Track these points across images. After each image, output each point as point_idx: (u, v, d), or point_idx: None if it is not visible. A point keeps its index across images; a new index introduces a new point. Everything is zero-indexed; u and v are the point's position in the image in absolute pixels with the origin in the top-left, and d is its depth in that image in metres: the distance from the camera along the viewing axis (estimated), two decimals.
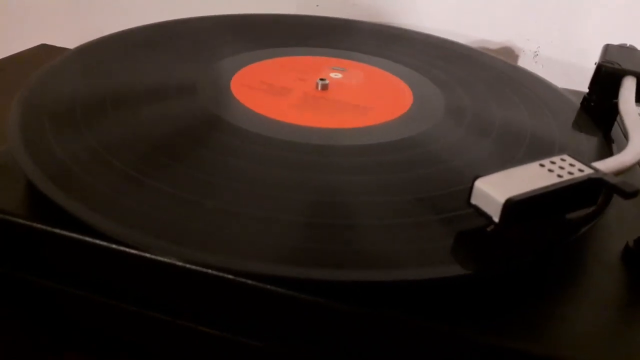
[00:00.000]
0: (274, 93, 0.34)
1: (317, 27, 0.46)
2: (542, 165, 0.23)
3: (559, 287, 0.23)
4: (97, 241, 0.22)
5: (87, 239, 0.22)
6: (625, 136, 0.34)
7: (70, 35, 0.47)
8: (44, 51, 0.46)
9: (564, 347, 0.20)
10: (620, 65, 0.35)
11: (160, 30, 0.42)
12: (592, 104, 0.35)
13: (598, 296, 0.22)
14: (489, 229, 0.22)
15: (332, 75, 0.37)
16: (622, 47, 0.38)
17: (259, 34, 0.43)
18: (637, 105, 0.33)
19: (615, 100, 0.33)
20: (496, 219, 0.21)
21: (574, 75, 0.51)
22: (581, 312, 0.22)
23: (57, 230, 0.23)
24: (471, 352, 0.20)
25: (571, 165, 0.23)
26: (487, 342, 0.20)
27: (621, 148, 0.32)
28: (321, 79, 0.35)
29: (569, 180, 0.22)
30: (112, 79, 0.34)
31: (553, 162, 0.23)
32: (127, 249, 0.22)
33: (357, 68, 0.39)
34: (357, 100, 0.34)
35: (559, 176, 0.22)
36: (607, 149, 0.32)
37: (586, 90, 0.36)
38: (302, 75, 0.37)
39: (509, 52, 0.52)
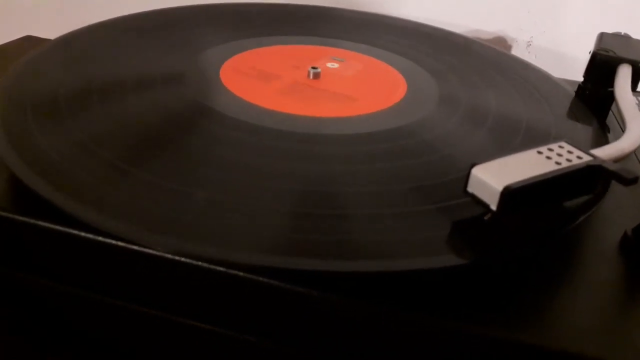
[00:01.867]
0: (265, 82, 0.33)
1: (309, 15, 0.46)
2: (539, 153, 0.22)
3: (556, 277, 0.22)
4: (83, 233, 0.21)
5: (73, 231, 0.21)
6: (620, 124, 0.34)
7: (56, 27, 0.46)
8: (29, 43, 0.44)
9: (562, 338, 0.20)
10: (615, 53, 0.34)
11: (146, 20, 0.41)
12: (587, 92, 0.35)
13: (596, 286, 0.22)
14: (486, 218, 0.22)
15: (329, 65, 0.36)
16: (617, 35, 0.37)
17: (249, 22, 0.42)
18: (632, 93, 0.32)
19: (611, 89, 0.33)
20: (494, 207, 0.21)
21: (567, 65, 0.51)
22: (579, 302, 0.21)
23: (42, 223, 0.22)
24: (467, 343, 0.20)
25: (569, 152, 0.22)
26: (482, 334, 0.20)
27: (617, 136, 0.32)
28: (313, 68, 0.34)
29: (567, 167, 0.21)
30: (97, 68, 0.33)
31: (551, 149, 0.22)
32: (114, 242, 0.21)
33: (351, 57, 0.38)
34: (350, 89, 0.34)
35: (557, 163, 0.22)
36: (603, 137, 0.31)
37: (580, 80, 0.36)
38: (293, 63, 0.36)
39: (502, 43, 0.52)
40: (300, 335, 0.22)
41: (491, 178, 0.21)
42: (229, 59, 0.36)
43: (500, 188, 0.20)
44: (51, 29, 0.46)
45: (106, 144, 0.26)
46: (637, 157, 0.30)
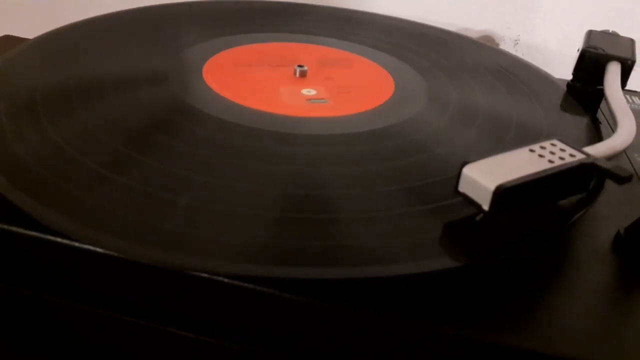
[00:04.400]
0: (249, 80, 0.33)
1: (291, 13, 0.45)
2: (532, 151, 0.22)
3: (548, 278, 0.22)
4: (59, 240, 0.20)
5: (49, 238, 0.20)
6: (609, 121, 0.34)
7: (36, 26, 0.45)
8: (8, 43, 0.43)
9: (555, 341, 0.19)
10: (604, 50, 0.34)
11: (125, 19, 0.40)
12: (576, 90, 0.35)
13: (589, 287, 0.22)
14: (478, 218, 0.21)
15: (304, 92, 0.33)
16: (605, 33, 0.37)
17: (229, 20, 0.42)
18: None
19: (600, 87, 0.33)
20: (486, 207, 0.20)
21: (554, 63, 0.50)
22: (572, 303, 0.21)
23: (15, 229, 0.21)
24: (457, 348, 0.19)
25: (562, 150, 0.22)
26: (475, 338, 0.19)
27: (606, 133, 0.32)
28: (299, 66, 0.34)
29: (560, 165, 0.21)
30: (75, 69, 0.32)
31: (543, 147, 0.22)
32: (92, 248, 0.20)
33: (337, 55, 0.38)
34: (337, 88, 0.33)
35: (550, 162, 0.21)
36: (595, 134, 0.31)
37: (567, 78, 0.36)
38: (277, 61, 0.36)
39: (490, 41, 0.52)
40: (289, 342, 0.21)
41: (483, 177, 0.20)
42: (210, 58, 0.35)
43: (492, 187, 0.20)
44: (31, 29, 0.45)
45: (84, 147, 0.25)
46: (627, 155, 0.30)
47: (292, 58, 0.36)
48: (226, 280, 0.19)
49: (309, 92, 0.32)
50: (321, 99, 0.31)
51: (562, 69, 0.39)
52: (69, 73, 0.31)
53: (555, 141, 0.22)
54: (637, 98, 0.38)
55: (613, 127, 0.33)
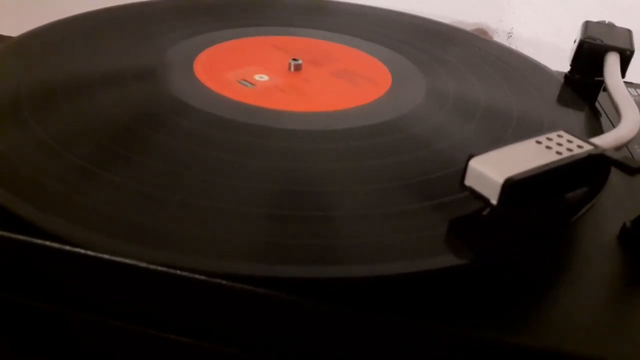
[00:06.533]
0: (242, 75, 0.32)
1: (286, 6, 0.44)
2: (538, 142, 0.21)
3: (554, 274, 0.21)
4: (48, 243, 0.19)
5: (37, 241, 0.19)
6: (606, 111, 0.33)
7: (21, 24, 0.44)
8: None
9: (560, 338, 0.19)
10: (602, 41, 0.34)
11: (111, 15, 0.39)
12: (574, 81, 0.34)
13: (596, 281, 0.21)
14: (484, 213, 0.21)
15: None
16: (602, 24, 0.37)
17: (221, 14, 0.41)
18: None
19: (599, 78, 0.33)
20: (494, 201, 0.19)
21: (548, 56, 0.50)
22: (578, 299, 0.20)
23: (1, 233, 0.20)
24: (463, 348, 0.19)
25: (569, 141, 0.21)
26: (479, 337, 0.18)
27: (605, 124, 0.31)
28: (294, 59, 0.33)
29: (569, 157, 0.20)
30: (61, 66, 0.31)
31: (550, 139, 0.21)
32: (82, 251, 0.19)
33: (333, 48, 0.37)
34: (333, 82, 0.32)
35: (558, 153, 0.21)
36: (596, 124, 0.30)
37: (561, 70, 0.35)
38: (271, 55, 0.35)
39: (483, 33, 0.51)
40: (285, 344, 0.20)
41: (491, 170, 0.19)
42: (201, 52, 0.34)
43: (501, 180, 0.19)
44: (18, 27, 0.44)
45: (72, 145, 0.24)
46: (627, 147, 0.30)
47: (287, 52, 0.35)
48: (224, 282, 0.18)
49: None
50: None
51: (556, 62, 0.39)
52: (56, 71, 0.30)
53: (561, 132, 0.22)
54: (632, 90, 0.38)
55: (612, 118, 0.32)
